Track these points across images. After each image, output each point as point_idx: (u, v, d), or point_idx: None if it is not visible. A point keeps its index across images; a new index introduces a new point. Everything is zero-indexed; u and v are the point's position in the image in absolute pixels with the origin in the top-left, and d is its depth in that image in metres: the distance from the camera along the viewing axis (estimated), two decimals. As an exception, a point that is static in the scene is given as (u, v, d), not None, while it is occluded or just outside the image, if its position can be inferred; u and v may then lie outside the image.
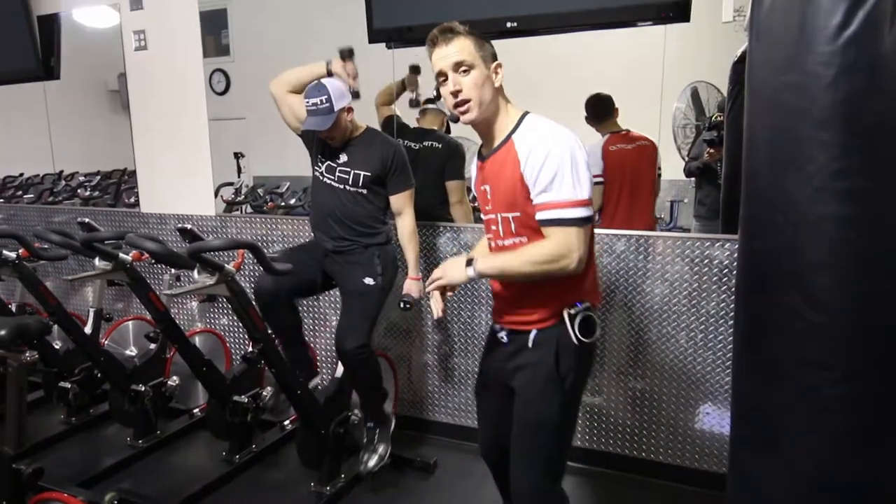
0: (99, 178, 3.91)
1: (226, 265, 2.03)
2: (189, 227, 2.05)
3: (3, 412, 1.77)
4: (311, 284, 2.36)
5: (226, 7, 3.12)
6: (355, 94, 2.24)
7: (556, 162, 1.33)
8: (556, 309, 1.44)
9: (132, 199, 3.49)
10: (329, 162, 2.26)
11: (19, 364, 1.72)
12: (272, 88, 2.30)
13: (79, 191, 3.89)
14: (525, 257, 1.39)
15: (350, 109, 2.20)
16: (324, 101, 2.09)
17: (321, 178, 2.29)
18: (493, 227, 1.50)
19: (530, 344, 1.47)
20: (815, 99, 1.31)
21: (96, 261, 2.37)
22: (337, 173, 2.25)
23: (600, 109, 2.66)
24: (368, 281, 2.22)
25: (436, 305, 1.55)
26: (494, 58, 1.45)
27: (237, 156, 3.43)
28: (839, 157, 1.30)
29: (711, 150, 2.56)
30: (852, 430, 1.35)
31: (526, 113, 1.46)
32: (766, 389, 1.46)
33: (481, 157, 1.53)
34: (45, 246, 2.70)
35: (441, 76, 1.43)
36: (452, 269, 1.45)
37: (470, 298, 2.62)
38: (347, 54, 2.24)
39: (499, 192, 1.46)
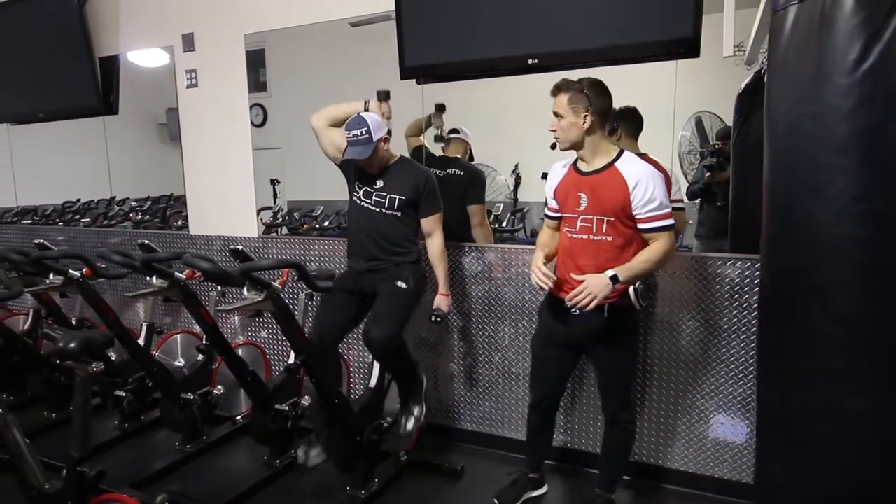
0: (149, 203, 3.91)
1: (272, 283, 2.00)
2: (240, 248, 2.03)
3: (69, 417, 1.73)
4: (353, 319, 2.33)
5: (264, 48, 3.13)
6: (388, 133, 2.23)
7: (660, 190, 1.77)
8: (623, 287, 1.77)
9: (178, 223, 3.49)
10: (366, 187, 2.25)
11: (86, 375, 1.69)
12: (313, 122, 2.28)
13: (130, 215, 3.90)
14: (653, 260, 1.77)
15: (387, 140, 2.20)
16: (364, 133, 2.09)
17: (358, 202, 2.27)
18: (587, 225, 1.84)
19: (606, 313, 1.81)
20: (834, 128, 1.28)
21: (154, 279, 2.35)
22: (374, 197, 2.23)
23: (640, 125, 2.39)
24: (400, 284, 2.20)
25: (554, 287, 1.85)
26: (588, 108, 1.77)
27: (273, 182, 3.42)
28: (858, 182, 1.27)
29: (710, 174, 2.53)
30: (875, 440, 1.30)
31: (623, 150, 1.84)
32: (790, 401, 1.40)
33: (579, 171, 1.87)
34: (103, 265, 2.68)
35: (554, 114, 1.84)
36: (599, 286, 1.72)
37: (494, 315, 2.57)
38: (384, 96, 2.26)
39: (599, 200, 1.81)
